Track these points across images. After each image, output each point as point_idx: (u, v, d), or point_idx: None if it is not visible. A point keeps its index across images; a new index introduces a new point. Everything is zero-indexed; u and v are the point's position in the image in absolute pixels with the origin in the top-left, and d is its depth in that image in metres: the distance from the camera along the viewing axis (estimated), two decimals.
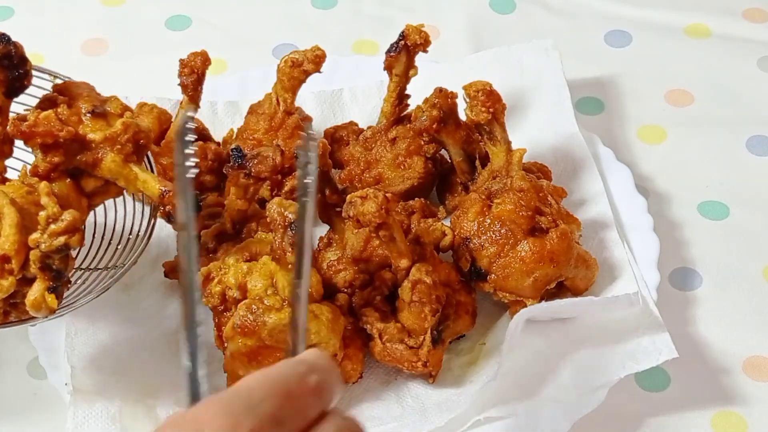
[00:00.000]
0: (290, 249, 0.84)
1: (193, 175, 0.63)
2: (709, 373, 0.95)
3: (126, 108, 0.92)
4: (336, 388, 0.58)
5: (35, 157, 0.89)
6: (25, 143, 0.88)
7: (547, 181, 0.99)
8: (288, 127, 1.03)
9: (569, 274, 0.93)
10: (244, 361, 0.86)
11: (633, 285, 0.95)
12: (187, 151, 0.64)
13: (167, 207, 0.88)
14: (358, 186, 1.02)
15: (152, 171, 0.94)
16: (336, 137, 1.07)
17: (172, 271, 0.98)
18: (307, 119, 1.08)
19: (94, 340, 0.94)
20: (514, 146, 0.99)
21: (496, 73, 1.07)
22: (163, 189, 0.88)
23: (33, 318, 0.85)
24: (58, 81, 0.96)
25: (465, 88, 0.98)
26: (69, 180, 0.89)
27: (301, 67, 1.02)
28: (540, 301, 0.93)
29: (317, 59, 1.01)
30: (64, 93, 0.91)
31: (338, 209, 0.91)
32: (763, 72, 1.22)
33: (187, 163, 0.64)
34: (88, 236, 0.93)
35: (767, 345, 0.97)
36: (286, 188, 1.01)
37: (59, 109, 0.89)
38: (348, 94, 1.15)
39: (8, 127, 0.88)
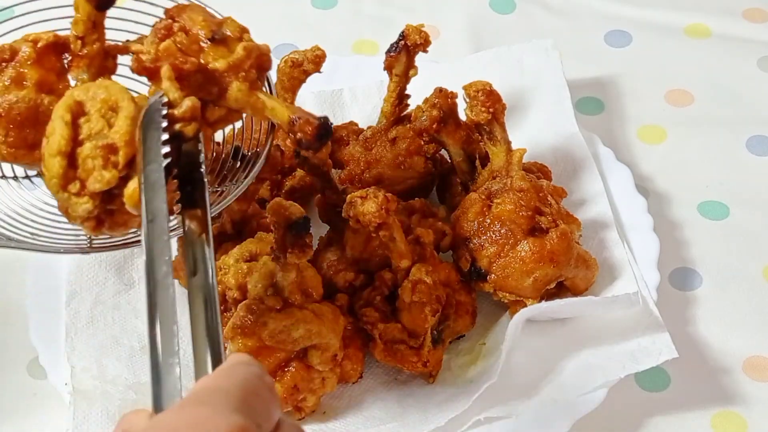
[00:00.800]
0: (290, 249, 0.84)
1: (164, 165, 0.64)
2: (709, 373, 0.95)
3: (244, 29, 0.86)
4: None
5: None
6: (149, 80, 0.82)
7: (547, 181, 0.99)
8: None
9: (569, 274, 0.93)
10: None
11: (633, 285, 0.95)
12: (159, 137, 0.65)
13: (297, 134, 0.80)
14: (358, 186, 1.02)
15: (274, 94, 0.88)
16: (336, 137, 1.06)
17: (172, 271, 0.97)
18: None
19: (94, 340, 0.94)
20: (514, 146, 0.99)
21: (496, 73, 1.07)
22: (294, 116, 0.80)
23: (132, 243, 0.82)
24: None
25: (465, 88, 0.98)
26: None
27: (301, 67, 1.02)
28: (540, 301, 0.93)
29: (317, 59, 1.01)
30: (178, 18, 0.85)
31: (338, 209, 0.91)
32: (763, 72, 1.22)
33: (161, 151, 0.65)
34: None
35: (767, 345, 0.97)
36: (286, 188, 1.02)
37: (177, 38, 0.82)
38: (348, 94, 1.15)
39: (132, 65, 0.82)
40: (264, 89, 0.85)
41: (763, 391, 0.94)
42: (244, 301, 0.87)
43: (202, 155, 0.73)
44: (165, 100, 0.75)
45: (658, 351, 0.91)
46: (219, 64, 0.82)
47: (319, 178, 0.94)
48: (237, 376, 0.56)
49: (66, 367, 0.92)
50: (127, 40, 0.88)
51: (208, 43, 0.83)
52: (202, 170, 0.72)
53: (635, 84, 1.21)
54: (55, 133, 0.75)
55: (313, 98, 1.13)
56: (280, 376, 0.87)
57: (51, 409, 0.92)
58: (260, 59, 0.83)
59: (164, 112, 0.73)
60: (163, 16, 0.85)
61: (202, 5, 0.87)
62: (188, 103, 0.75)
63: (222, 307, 0.89)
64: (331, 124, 0.80)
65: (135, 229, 0.82)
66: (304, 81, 1.03)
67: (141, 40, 0.85)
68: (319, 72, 1.02)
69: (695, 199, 1.09)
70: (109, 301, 0.98)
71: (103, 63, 0.86)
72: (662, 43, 1.26)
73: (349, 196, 0.89)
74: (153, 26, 0.84)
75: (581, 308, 0.93)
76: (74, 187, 0.75)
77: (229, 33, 0.85)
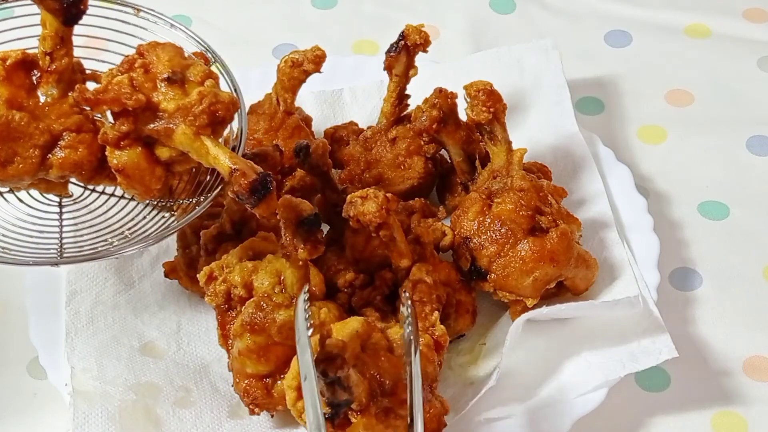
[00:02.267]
0: (301, 246, 0.84)
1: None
2: (709, 373, 0.95)
3: (208, 75, 0.86)
4: None
5: (104, 123, 0.85)
6: (92, 110, 0.85)
7: (547, 181, 0.99)
8: (288, 127, 1.03)
9: (569, 273, 0.93)
10: (253, 358, 0.86)
11: (633, 285, 0.95)
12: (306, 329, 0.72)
13: (235, 187, 0.81)
14: (358, 186, 1.02)
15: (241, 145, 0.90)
16: (336, 137, 1.07)
17: (171, 271, 0.98)
18: (307, 119, 1.08)
19: (94, 340, 0.94)
20: (514, 146, 0.99)
21: (496, 73, 1.07)
22: (233, 167, 0.81)
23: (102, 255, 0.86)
24: (142, 14, 0.93)
25: (466, 87, 0.98)
26: (141, 149, 0.84)
27: (301, 67, 1.02)
28: (539, 301, 0.93)
29: (317, 59, 1.01)
30: (147, 55, 0.86)
31: (338, 209, 0.91)
32: (763, 72, 1.22)
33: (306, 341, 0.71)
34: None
35: (767, 345, 0.97)
36: (286, 188, 1.02)
37: (135, 74, 0.84)
38: (348, 94, 1.15)
39: (74, 93, 0.83)
40: (231, 136, 0.88)
41: (763, 391, 0.94)
42: (251, 299, 0.87)
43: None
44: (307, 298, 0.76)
45: (658, 351, 0.91)
46: (168, 105, 0.84)
47: (319, 178, 0.94)
48: None
49: (66, 367, 0.92)
50: (95, 71, 0.90)
51: (165, 83, 0.84)
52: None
53: (635, 84, 1.21)
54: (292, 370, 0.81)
55: (313, 98, 1.13)
56: (288, 372, 0.87)
57: (51, 409, 0.92)
58: (214, 107, 0.83)
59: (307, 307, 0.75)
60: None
61: (177, 47, 0.88)
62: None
63: (226, 306, 0.90)
64: (270, 182, 0.79)
65: (102, 244, 0.88)
66: (304, 81, 1.03)
67: (111, 71, 0.86)
68: (319, 72, 1.02)
69: (695, 199, 1.09)
70: (109, 301, 0.98)
71: (72, 78, 0.87)
72: (662, 43, 1.26)
73: (349, 196, 0.89)
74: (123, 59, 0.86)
75: (582, 311, 0.93)
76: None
77: (190, 76, 0.86)
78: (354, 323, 0.82)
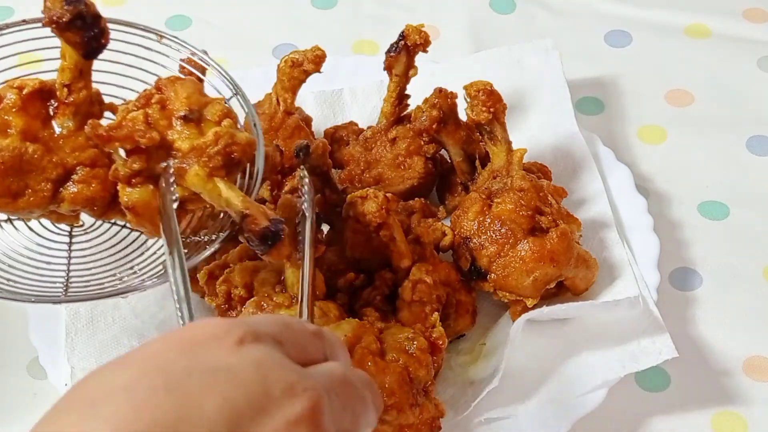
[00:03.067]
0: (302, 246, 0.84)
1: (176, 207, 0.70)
2: (709, 373, 0.95)
3: (227, 114, 0.83)
4: (341, 352, 0.58)
5: (117, 158, 0.83)
6: (103, 147, 0.82)
7: (547, 181, 0.99)
8: (288, 127, 1.03)
9: (569, 273, 0.93)
10: None
11: (633, 285, 0.95)
12: (172, 194, 0.72)
13: (246, 233, 0.79)
14: (358, 186, 1.02)
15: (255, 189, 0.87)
16: (336, 137, 1.07)
17: None
18: (307, 119, 1.08)
19: (94, 340, 0.94)
20: (514, 146, 0.99)
21: (496, 73, 1.07)
22: (245, 212, 0.79)
23: (107, 294, 0.84)
24: (165, 41, 0.91)
25: (466, 87, 0.98)
26: (152, 187, 0.82)
27: (301, 67, 1.02)
28: (540, 301, 0.93)
29: (317, 59, 1.01)
30: (165, 90, 0.84)
31: (338, 209, 0.91)
32: (763, 72, 1.22)
33: (172, 205, 0.68)
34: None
35: (767, 345, 0.97)
36: (286, 188, 1.01)
37: (150, 110, 0.82)
38: (348, 94, 1.15)
39: (86, 129, 0.81)
40: (247, 179, 0.85)
41: (763, 391, 0.94)
42: (252, 299, 0.87)
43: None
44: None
45: (658, 351, 0.91)
46: (183, 144, 0.81)
47: (319, 178, 0.94)
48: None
49: (66, 367, 0.92)
50: (113, 103, 0.88)
51: (180, 121, 0.82)
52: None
53: (635, 84, 1.21)
54: None
55: (313, 98, 1.13)
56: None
57: None
58: (230, 148, 0.81)
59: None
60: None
61: (197, 83, 0.86)
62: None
63: (226, 306, 0.89)
64: (282, 230, 0.78)
65: (109, 280, 0.86)
66: (304, 81, 1.03)
67: (126, 106, 0.84)
68: (319, 72, 1.02)
69: (695, 199, 1.09)
70: (109, 301, 0.98)
71: (89, 110, 0.85)
72: (662, 43, 1.26)
73: (349, 196, 0.89)
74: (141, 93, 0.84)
75: (582, 311, 0.93)
76: None
77: (207, 115, 0.83)
78: (345, 327, 0.82)
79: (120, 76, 0.91)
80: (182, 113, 0.81)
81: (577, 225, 0.97)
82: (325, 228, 0.97)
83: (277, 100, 1.04)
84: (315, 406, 0.50)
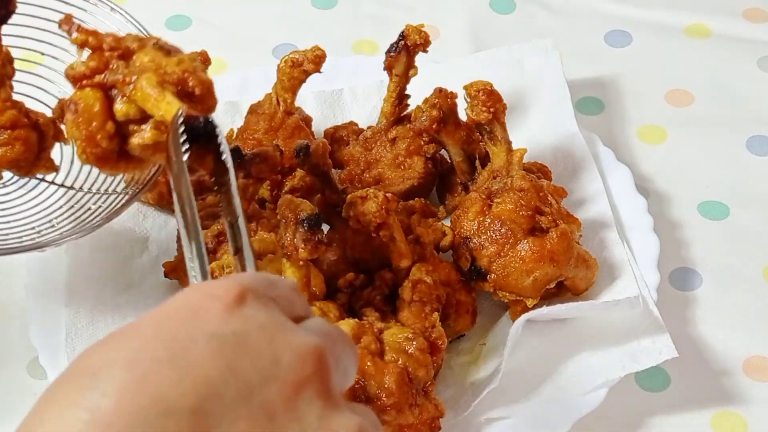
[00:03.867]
0: (302, 245, 0.84)
1: (187, 166, 0.65)
2: (709, 373, 0.95)
3: (202, 60, 0.80)
4: (310, 307, 0.56)
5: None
6: (72, 38, 0.80)
7: (547, 181, 0.99)
8: (288, 127, 1.03)
9: (569, 273, 0.93)
10: None
11: (633, 285, 0.95)
12: (181, 146, 0.66)
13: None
14: (358, 186, 1.02)
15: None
16: (336, 137, 1.07)
17: (172, 271, 0.98)
18: (307, 119, 1.08)
19: (94, 340, 0.93)
20: (514, 146, 0.99)
21: (496, 73, 1.07)
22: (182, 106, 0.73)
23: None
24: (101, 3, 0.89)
25: (466, 87, 0.98)
26: (101, 94, 0.77)
27: (301, 67, 1.02)
28: (540, 301, 0.93)
29: (317, 59, 1.01)
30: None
31: (338, 209, 0.91)
32: (763, 72, 1.22)
33: (182, 158, 0.65)
34: None
35: (767, 345, 0.97)
36: (286, 188, 1.02)
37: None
38: (348, 94, 1.15)
39: (60, 24, 0.80)
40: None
41: (763, 391, 0.94)
42: None
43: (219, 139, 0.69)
44: (184, 110, 0.71)
45: (658, 351, 0.91)
46: (144, 58, 0.77)
47: (319, 178, 0.94)
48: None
49: (66, 367, 0.91)
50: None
51: (151, 45, 0.79)
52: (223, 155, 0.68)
53: (635, 84, 1.21)
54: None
55: (313, 98, 1.13)
56: None
57: None
58: (188, 75, 0.76)
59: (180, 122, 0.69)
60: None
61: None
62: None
63: None
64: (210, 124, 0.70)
65: (28, 234, 0.85)
66: (304, 81, 1.03)
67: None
68: (319, 72, 1.02)
69: (695, 199, 1.09)
70: (109, 302, 0.98)
71: (2, 72, 0.85)
72: (662, 43, 1.26)
73: (349, 196, 0.89)
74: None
75: (582, 311, 0.93)
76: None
77: (179, 54, 0.80)
78: (344, 327, 0.82)
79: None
80: (154, 41, 0.78)
81: (577, 225, 0.97)
82: (325, 228, 0.97)
83: (277, 100, 1.04)
84: (322, 365, 0.49)
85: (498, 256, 0.92)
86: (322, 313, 0.86)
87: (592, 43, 1.26)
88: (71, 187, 0.92)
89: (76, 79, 0.78)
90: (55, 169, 0.89)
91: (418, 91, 1.03)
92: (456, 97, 1.00)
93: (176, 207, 0.65)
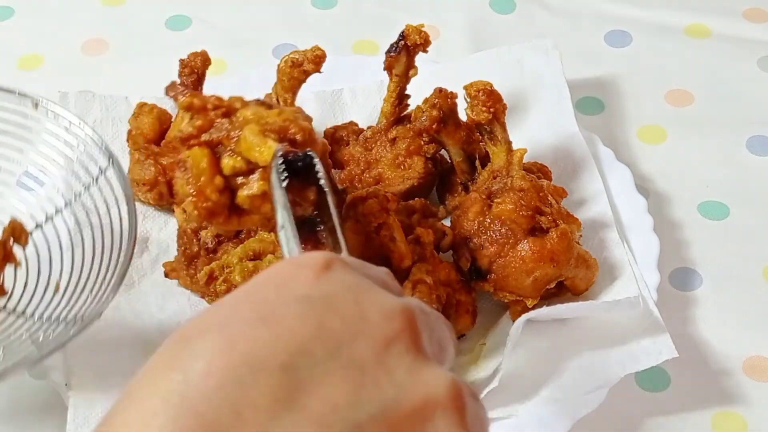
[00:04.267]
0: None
1: (289, 201, 0.70)
2: (709, 373, 0.95)
3: (299, 110, 0.82)
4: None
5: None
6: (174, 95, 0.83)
7: (547, 181, 0.99)
8: None
9: (569, 273, 0.93)
10: None
11: (633, 285, 0.95)
12: (281, 182, 0.71)
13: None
14: (358, 186, 1.02)
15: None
16: (336, 137, 1.07)
17: (172, 271, 0.98)
18: (307, 119, 1.08)
19: (94, 340, 0.94)
20: (514, 146, 0.99)
21: (496, 73, 1.07)
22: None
23: None
24: (41, 108, 0.90)
25: (466, 87, 0.98)
26: (207, 150, 0.79)
27: (301, 67, 1.02)
28: (540, 301, 0.93)
29: (317, 59, 1.01)
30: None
31: (338, 209, 0.91)
32: (763, 72, 1.22)
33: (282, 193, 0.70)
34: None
35: (767, 345, 0.97)
36: None
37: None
38: (348, 94, 1.15)
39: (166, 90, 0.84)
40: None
41: (763, 391, 0.94)
42: None
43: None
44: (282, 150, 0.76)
45: (658, 351, 0.91)
46: (246, 113, 0.80)
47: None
48: None
49: (66, 367, 0.91)
50: None
51: (253, 102, 0.82)
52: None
53: (635, 84, 1.21)
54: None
55: (313, 98, 1.13)
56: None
57: (51, 409, 0.92)
58: (289, 123, 0.79)
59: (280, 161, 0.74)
60: None
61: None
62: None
63: None
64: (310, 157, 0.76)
65: None
66: (304, 81, 1.03)
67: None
68: (319, 72, 1.02)
69: (695, 199, 1.09)
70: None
71: None
72: (662, 43, 1.26)
73: (349, 196, 0.89)
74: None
75: (582, 311, 0.93)
76: None
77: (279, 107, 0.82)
78: None
79: None
80: (256, 99, 0.81)
81: (577, 225, 0.97)
82: None
83: (277, 100, 1.04)
84: (411, 323, 0.50)
85: (498, 256, 0.92)
86: None
87: (592, 43, 1.26)
88: (23, 313, 0.90)
89: (183, 140, 0.80)
90: (4, 292, 0.89)
91: (418, 91, 1.03)
92: (456, 97, 1.00)
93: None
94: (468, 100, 0.98)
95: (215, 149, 0.79)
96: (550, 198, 0.95)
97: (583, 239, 0.99)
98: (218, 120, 0.80)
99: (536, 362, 0.92)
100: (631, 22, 1.28)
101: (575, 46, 1.24)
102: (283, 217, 0.69)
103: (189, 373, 0.46)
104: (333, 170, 1.00)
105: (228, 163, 0.78)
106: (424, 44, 1.02)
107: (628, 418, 0.92)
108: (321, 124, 1.11)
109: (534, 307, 0.92)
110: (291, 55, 1.02)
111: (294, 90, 1.03)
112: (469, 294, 0.95)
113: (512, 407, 0.88)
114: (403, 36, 1.02)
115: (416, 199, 1.00)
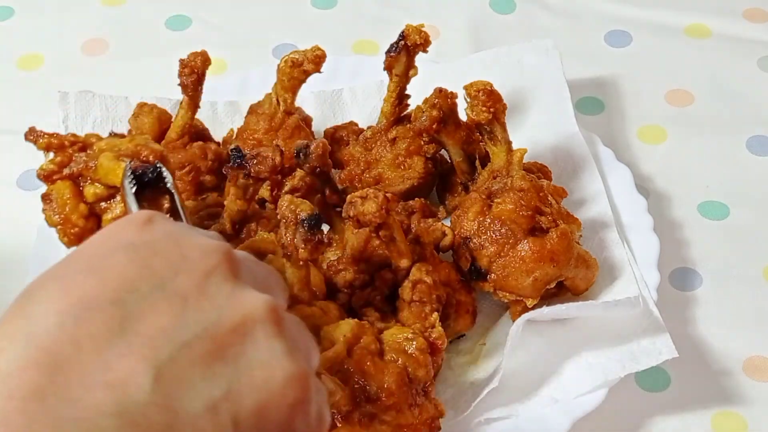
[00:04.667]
0: (302, 245, 0.84)
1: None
2: (709, 373, 0.95)
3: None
4: None
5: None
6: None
7: (547, 181, 0.99)
8: (288, 127, 1.03)
9: (569, 273, 0.93)
10: None
11: (633, 285, 0.95)
12: (133, 195, 0.77)
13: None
14: (358, 186, 1.02)
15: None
16: (336, 137, 1.07)
17: None
18: (307, 119, 1.08)
19: None
20: (514, 146, 0.99)
21: (496, 73, 1.07)
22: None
23: None
24: None
25: (466, 87, 0.98)
26: (70, 182, 0.88)
27: (301, 67, 1.02)
28: (540, 301, 0.93)
29: (317, 59, 1.01)
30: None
31: (338, 209, 0.91)
32: (763, 72, 1.22)
33: (135, 207, 0.75)
34: None
35: (767, 345, 0.97)
36: (286, 188, 1.02)
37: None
38: (348, 94, 1.15)
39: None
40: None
41: (763, 391, 0.94)
42: None
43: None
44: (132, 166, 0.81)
45: (658, 351, 0.91)
46: (100, 144, 0.89)
47: (319, 179, 0.94)
48: None
49: None
50: None
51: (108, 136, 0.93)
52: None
53: (635, 84, 1.21)
54: None
55: (313, 98, 1.13)
56: None
57: None
58: (141, 147, 0.87)
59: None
60: None
61: None
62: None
63: None
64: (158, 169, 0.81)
65: None
66: (304, 81, 1.03)
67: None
68: (319, 72, 1.02)
69: (695, 199, 1.09)
70: None
71: None
72: (662, 43, 1.26)
73: (349, 196, 0.89)
74: None
75: (582, 311, 0.93)
76: None
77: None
78: (345, 327, 0.82)
79: None
80: (110, 132, 0.91)
81: (577, 225, 0.97)
82: (325, 228, 0.97)
83: (277, 100, 1.04)
84: (228, 257, 0.56)
85: (498, 256, 0.92)
86: (321, 312, 0.86)
87: (592, 43, 1.26)
88: None
89: (47, 177, 0.88)
90: None
91: (418, 91, 1.03)
92: (456, 97, 1.00)
93: None
94: (468, 100, 0.98)
95: (77, 181, 0.88)
96: (550, 198, 0.95)
97: (583, 239, 0.99)
98: (76, 154, 0.88)
99: (536, 362, 0.92)
100: (631, 22, 1.28)
101: (575, 46, 1.24)
102: None
103: (32, 317, 0.51)
104: (333, 170, 1.00)
105: (90, 190, 0.87)
106: (424, 44, 1.02)
107: (628, 418, 0.92)
108: (321, 124, 1.11)
109: (534, 307, 0.93)
110: (291, 55, 1.02)
111: (294, 90, 1.03)
112: (469, 294, 0.95)
113: (512, 407, 0.89)
114: (403, 36, 1.02)
115: (416, 199, 1.00)
